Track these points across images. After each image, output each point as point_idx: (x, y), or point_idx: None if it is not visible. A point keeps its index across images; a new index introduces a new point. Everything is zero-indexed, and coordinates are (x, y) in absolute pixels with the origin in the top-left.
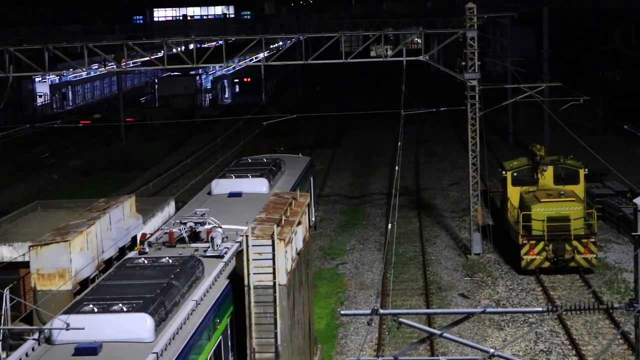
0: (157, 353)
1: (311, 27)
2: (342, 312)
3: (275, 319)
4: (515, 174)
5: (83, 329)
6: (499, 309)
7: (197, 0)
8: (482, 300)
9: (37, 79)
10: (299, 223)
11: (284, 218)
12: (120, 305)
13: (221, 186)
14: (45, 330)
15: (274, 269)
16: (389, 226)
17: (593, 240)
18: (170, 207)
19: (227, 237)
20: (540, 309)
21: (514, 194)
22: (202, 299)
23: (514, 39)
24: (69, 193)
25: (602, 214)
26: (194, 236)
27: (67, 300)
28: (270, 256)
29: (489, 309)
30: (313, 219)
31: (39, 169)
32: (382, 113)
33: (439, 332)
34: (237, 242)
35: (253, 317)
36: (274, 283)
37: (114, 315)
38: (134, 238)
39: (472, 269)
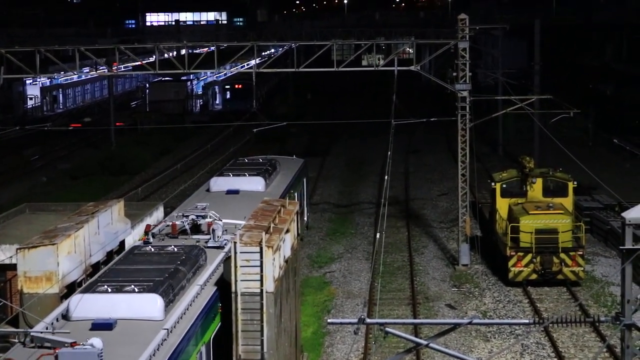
0: (167, 329)
1: (303, 35)
2: (328, 320)
3: (262, 327)
4: (504, 186)
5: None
6: (486, 320)
7: (190, 6)
8: (469, 311)
9: (28, 81)
10: (288, 231)
11: (272, 225)
12: (133, 286)
13: (219, 184)
14: (63, 308)
15: (261, 276)
16: (378, 235)
17: (581, 253)
18: (159, 212)
19: (226, 230)
20: (527, 321)
21: (502, 205)
22: (205, 284)
23: (506, 51)
24: (58, 196)
25: (590, 227)
26: (196, 228)
27: (53, 304)
28: (258, 263)
29: (475, 320)
30: (305, 218)
31: (28, 172)
32: (372, 122)
33: (425, 342)
34: (235, 234)
35: (239, 324)
36: (261, 290)
37: (127, 295)
38: (122, 242)
39: (460, 280)
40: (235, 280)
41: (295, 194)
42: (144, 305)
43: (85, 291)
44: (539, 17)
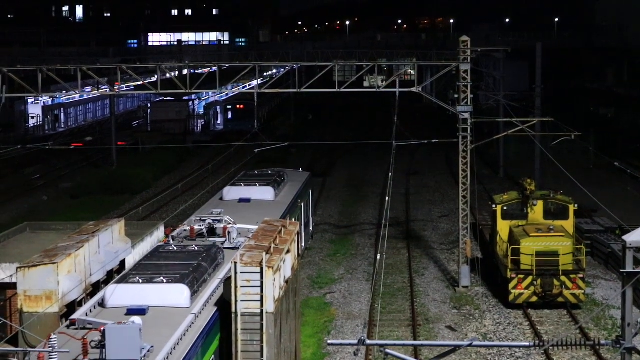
0: (194, 314)
1: (305, 55)
2: (329, 341)
3: (262, 347)
4: (505, 208)
5: None
6: (486, 343)
7: (192, 26)
8: (469, 333)
9: (29, 100)
10: (288, 251)
11: (273, 246)
12: (162, 278)
13: (232, 193)
14: (98, 297)
15: (261, 296)
16: (378, 257)
17: (581, 276)
18: (160, 232)
19: (240, 234)
20: (527, 343)
21: (503, 227)
22: (224, 279)
23: (507, 73)
24: (59, 215)
25: (591, 250)
26: (212, 232)
27: (53, 323)
28: (259, 283)
29: (475, 342)
30: (310, 228)
31: (29, 190)
32: (373, 143)
33: None
34: (249, 237)
35: (240, 344)
36: (262, 311)
37: (158, 286)
38: (123, 262)
39: (460, 302)
40: (236, 301)
41: (302, 204)
42: (172, 294)
43: (119, 282)
44: (540, 40)
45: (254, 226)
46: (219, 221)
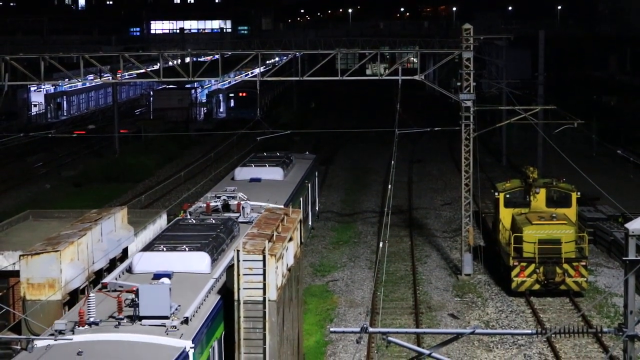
0: (215, 279)
1: (308, 43)
2: (331, 329)
3: (265, 335)
4: (507, 196)
5: None
6: (488, 330)
7: (195, 14)
8: (471, 321)
9: (32, 88)
10: (291, 239)
11: (275, 234)
12: (185, 246)
13: (243, 173)
14: (126, 264)
15: (264, 284)
16: (381, 244)
17: (584, 263)
18: (162, 220)
19: (252, 209)
20: (530, 331)
21: (506, 215)
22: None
23: (510, 61)
24: (61, 203)
25: (594, 238)
26: (226, 207)
27: (56, 311)
28: (261, 271)
29: (478, 330)
30: (317, 208)
31: (32, 178)
32: (376, 131)
33: (427, 352)
34: (261, 212)
35: (242, 332)
36: (264, 298)
37: (181, 253)
38: (125, 250)
39: (463, 290)
40: (238, 288)
41: (309, 184)
42: (195, 261)
43: (144, 250)
44: (543, 28)
45: (265, 203)
46: (233, 197)
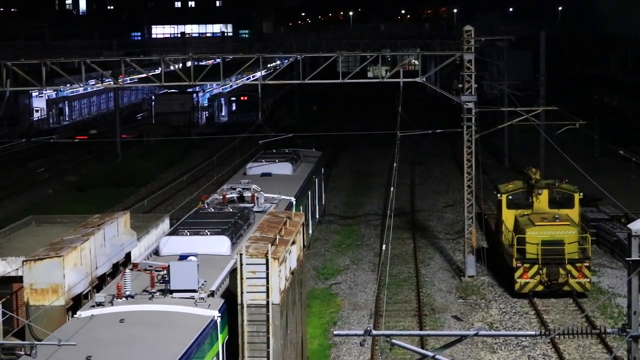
0: (235, 260)
1: (309, 46)
2: (335, 332)
3: (268, 338)
4: (510, 197)
5: None
6: (492, 332)
7: (196, 18)
8: (475, 323)
9: (33, 94)
10: (294, 242)
11: (278, 237)
12: (207, 231)
13: (255, 168)
14: (153, 248)
15: (267, 287)
16: (384, 247)
17: (587, 264)
18: (165, 224)
19: (265, 200)
20: (533, 332)
21: (508, 216)
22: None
23: (511, 63)
24: (64, 208)
25: (597, 239)
26: (241, 198)
27: (59, 316)
28: (264, 275)
29: (481, 332)
30: (323, 202)
31: (34, 184)
32: (378, 134)
33: (431, 354)
34: (273, 203)
35: (246, 335)
36: (267, 302)
37: (203, 237)
38: (128, 254)
39: (466, 291)
40: (242, 292)
41: (316, 179)
42: (216, 244)
43: (170, 235)
44: (544, 29)
45: (277, 195)
46: (248, 189)
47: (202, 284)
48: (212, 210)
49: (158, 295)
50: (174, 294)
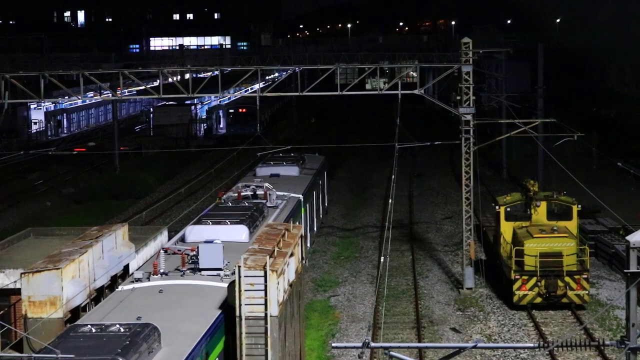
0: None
1: (307, 59)
2: (333, 344)
3: (267, 351)
4: (508, 209)
5: None
6: (491, 344)
7: (194, 31)
8: (473, 335)
9: (32, 106)
10: (292, 254)
11: (276, 249)
12: (227, 221)
13: (264, 170)
14: (179, 236)
15: (265, 300)
16: (382, 259)
17: (585, 276)
18: (163, 237)
19: (276, 197)
20: (532, 344)
21: (507, 229)
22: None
23: (509, 75)
24: (62, 220)
25: (595, 251)
26: (254, 195)
27: (57, 328)
28: (262, 287)
29: (480, 344)
30: (325, 204)
31: (33, 196)
32: (376, 145)
33: None
34: (284, 200)
35: (244, 348)
36: (266, 314)
37: (225, 226)
38: (126, 267)
39: (464, 304)
40: (240, 304)
41: (320, 181)
42: (236, 232)
43: (194, 224)
44: (542, 41)
45: (286, 192)
46: (260, 187)
47: (227, 264)
48: (230, 204)
49: (188, 272)
50: (203, 272)
